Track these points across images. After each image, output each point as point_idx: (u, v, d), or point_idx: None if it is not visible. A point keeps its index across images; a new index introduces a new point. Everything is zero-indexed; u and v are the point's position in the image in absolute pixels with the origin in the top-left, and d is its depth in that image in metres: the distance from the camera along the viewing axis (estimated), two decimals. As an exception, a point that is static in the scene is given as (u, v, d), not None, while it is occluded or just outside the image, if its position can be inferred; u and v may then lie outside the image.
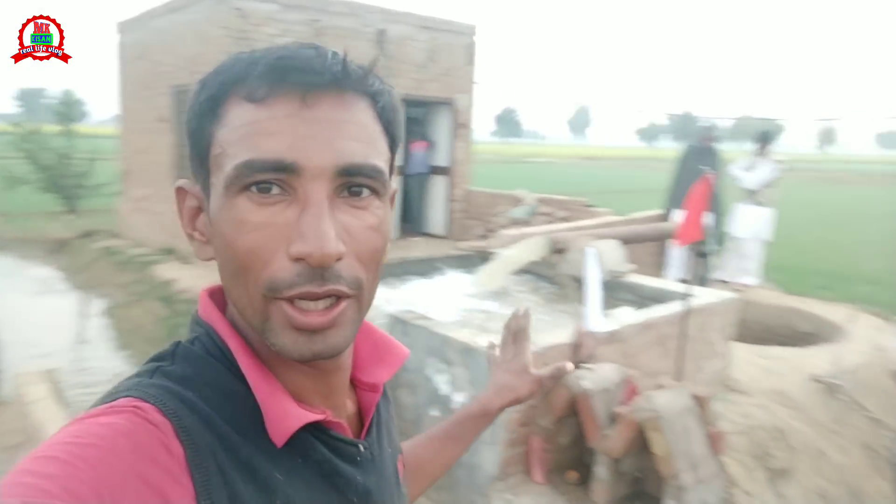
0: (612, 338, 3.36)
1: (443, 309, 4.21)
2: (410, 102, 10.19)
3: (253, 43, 8.09)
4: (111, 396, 0.53)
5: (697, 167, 6.12)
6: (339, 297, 0.53)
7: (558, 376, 0.95)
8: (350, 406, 0.67)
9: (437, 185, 10.28)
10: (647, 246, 7.02)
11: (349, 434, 0.63)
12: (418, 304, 4.22)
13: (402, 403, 3.45)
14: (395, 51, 9.29)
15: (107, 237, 10.91)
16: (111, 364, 6.17)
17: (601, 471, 2.79)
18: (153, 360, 0.59)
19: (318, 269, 0.51)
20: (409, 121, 10.23)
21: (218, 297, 0.63)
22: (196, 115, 0.56)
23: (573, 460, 3.07)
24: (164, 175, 9.67)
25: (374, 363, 0.69)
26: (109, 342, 6.91)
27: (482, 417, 0.95)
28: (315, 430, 0.58)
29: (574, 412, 2.95)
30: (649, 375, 3.56)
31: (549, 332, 3.37)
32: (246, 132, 0.52)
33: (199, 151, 0.57)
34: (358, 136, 0.54)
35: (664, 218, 6.93)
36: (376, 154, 0.56)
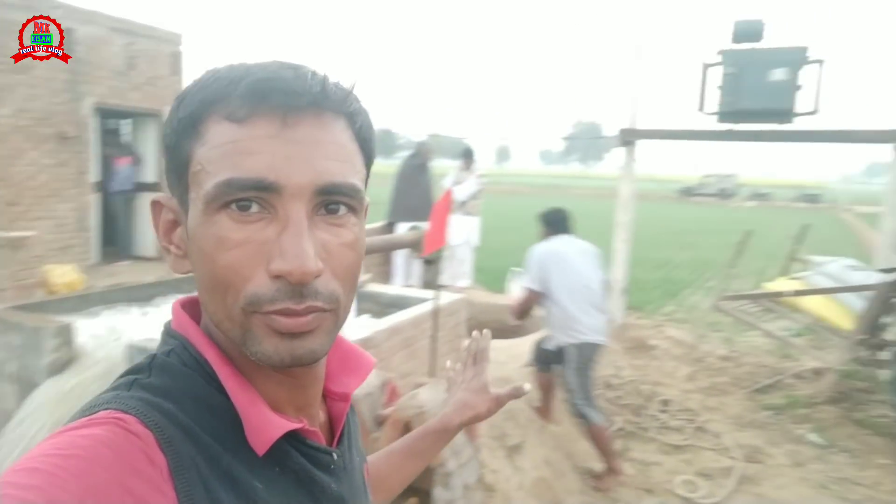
0: (366, 344, 3.51)
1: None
2: (108, 112, 9.21)
3: None
4: (90, 410, 0.52)
5: (418, 180, 6.66)
6: (316, 311, 0.55)
7: (516, 396, 1.02)
8: (321, 415, 0.69)
9: (145, 203, 9.44)
10: (373, 256, 7.37)
11: (323, 443, 0.65)
12: (153, 333, 3.89)
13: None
14: (86, 53, 8.31)
15: None
16: None
17: (372, 473, 2.92)
18: (129, 372, 0.58)
19: (298, 286, 0.53)
20: (107, 133, 9.24)
21: (191, 308, 0.63)
22: (174, 131, 0.56)
23: (342, 468, 3.15)
24: None
25: (343, 373, 0.71)
26: None
27: (442, 433, 0.99)
28: (292, 439, 0.60)
29: (340, 421, 3.03)
30: (402, 376, 3.80)
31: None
32: (226, 151, 0.53)
33: (177, 167, 0.57)
34: (336, 156, 0.56)
35: (389, 229, 7.36)
36: (354, 173, 0.58)
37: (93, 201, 8.88)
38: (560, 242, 4.29)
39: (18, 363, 3.54)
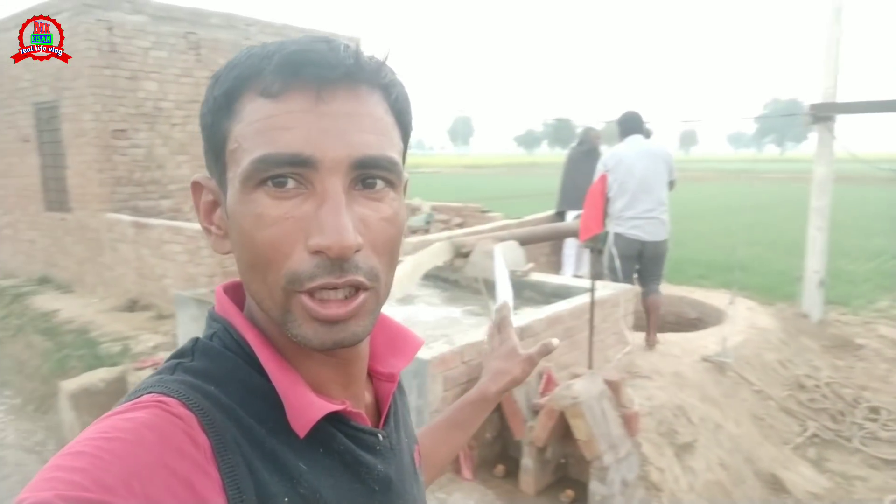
0: (524, 333, 3.48)
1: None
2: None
3: (123, 56, 7.68)
4: (135, 394, 0.53)
5: (585, 167, 6.46)
6: (357, 287, 0.54)
7: (546, 352, 1.00)
8: (367, 396, 0.68)
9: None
10: (542, 246, 7.30)
11: (368, 424, 0.63)
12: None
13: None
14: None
15: (-34, 271, 9.93)
16: (-15, 407, 5.62)
17: (527, 461, 2.89)
18: (173, 357, 0.59)
19: (337, 261, 0.52)
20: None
21: (233, 292, 0.63)
22: (211, 110, 0.56)
23: (499, 454, 3.15)
24: (30, 199, 8.94)
25: (389, 353, 0.70)
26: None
27: (482, 402, 0.98)
28: (335, 421, 0.59)
29: (496, 407, 3.03)
30: (562, 367, 3.72)
31: (464, 331, 3.44)
32: (261, 127, 0.53)
33: (214, 147, 0.57)
34: (372, 129, 0.55)
35: (558, 218, 7.23)
36: (390, 146, 0.57)
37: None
38: (628, 143, 4.88)
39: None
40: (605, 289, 4.27)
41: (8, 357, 6.41)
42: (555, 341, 1.02)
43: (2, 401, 5.74)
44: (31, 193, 8.85)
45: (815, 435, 4.52)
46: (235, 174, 0.54)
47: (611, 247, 4.84)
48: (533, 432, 2.86)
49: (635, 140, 4.88)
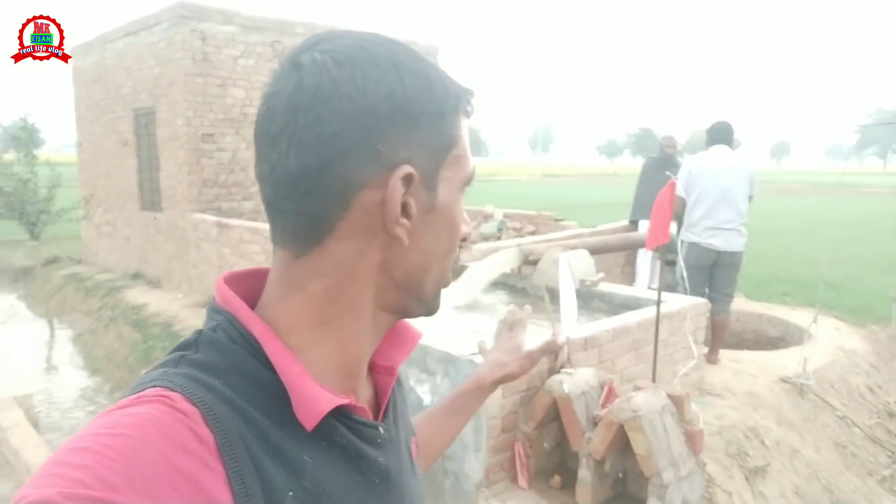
0: (588, 343, 3.42)
1: (421, 321, 4.23)
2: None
3: (214, 65, 8.07)
4: (138, 388, 0.53)
5: (660, 177, 6.29)
6: None
7: (549, 350, 1.01)
8: (367, 389, 0.68)
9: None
10: (616, 256, 7.16)
11: (370, 417, 0.64)
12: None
13: (384, 417, 3.45)
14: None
15: (71, 264, 10.68)
16: (82, 389, 6.03)
17: (584, 473, 2.84)
18: (177, 349, 0.59)
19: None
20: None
21: (236, 283, 0.64)
22: (446, 112, 0.62)
23: (556, 465, 3.11)
24: (127, 199, 9.52)
25: (390, 346, 0.70)
26: (79, 368, 6.75)
27: (477, 392, 1.03)
28: (338, 414, 0.59)
29: (555, 417, 2.99)
30: (627, 380, 3.63)
31: (527, 339, 3.42)
32: (468, 143, 0.66)
33: (436, 144, 0.61)
34: None
35: (632, 228, 7.07)
36: None
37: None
38: (712, 153, 4.83)
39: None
40: (675, 302, 4.14)
41: (101, 346, 6.84)
42: (561, 338, 1.04)
43: (94, 386, 6.13)
44: (129, 193, 9.43)
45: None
46: (457, 176, 0.64)
47: (681, 258, 4.78)
48: (591, 444, 2.81)
49: (721, 150, 4.83)
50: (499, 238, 8.95)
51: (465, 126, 0.65)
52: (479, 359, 2.97)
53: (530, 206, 16.49)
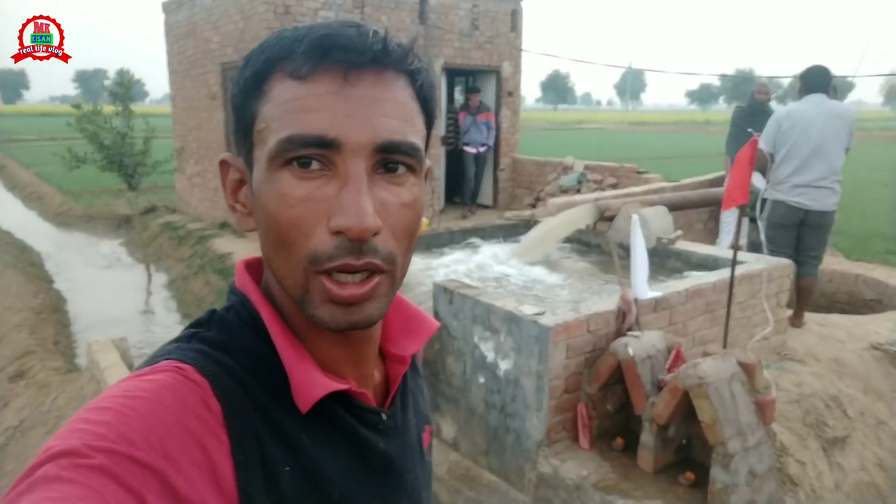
0: (659, 305, 3.32)
1: (489, 278, 4.24)
2: (454, 71, 10.09)
3: (296, 17, 8.15)
4: (153, 360, 0.57)
5: (754, 127, 5.91)
6: (374, 270, 0.55)
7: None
8: (377, 376, 0.70)
9: (489, 154, 10.13)
10: (700, 212, 6.86)
11: (373, 403, 0.66)
12: (463, 274, 4.26)
13: (450, 371, 3.50)
14: (437, 20, 9.20)
15: (166, 213, 11.29)
16: (174, 333, 6.44)
17: (647, 438, 2.79)
18: (191, 326, 0.62)
19: (357, 243, 0.53)
20: (468, 91, 10.11)
21: (254, 268, 0.66)
22: (241, 91, 0.58)
23: (620, 427, 3.08)
24: (216, 151, 9.90)
25: (403, 335, 0.71)
26: (172, 313, 7.21)
27: None
28: (340, 398, 0.61)
29: (620, 379, 2.95)
30: (699, 343, 3.52)
31: (595, 299, 3.36)
32: (289, 108, 0.54)
33: (243, 126, 0.59)
34: (396, 114, 0.56)
35: (721, 182, 6.73)
36: (413, 132, 0.58)
37: (441, 154, 9.95)
38: (808, 102, 4.37)
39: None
40: (757, 262, 3.94)
41: (191, 292, 7.26)
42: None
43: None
44: (217, 146, 9.79)
45: None
46: (262, 153, 0.56)
47: (764, 217, 4.51)
48: (655, 409, 2.75)
49: (817, 99, 4.36)
50: (578, 191, 8.76)
51: (284, 90, 0.55)
52: (544, 319, 2.95)
53: (616, 156, 15.99)
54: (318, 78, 0.54)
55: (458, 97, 11.13)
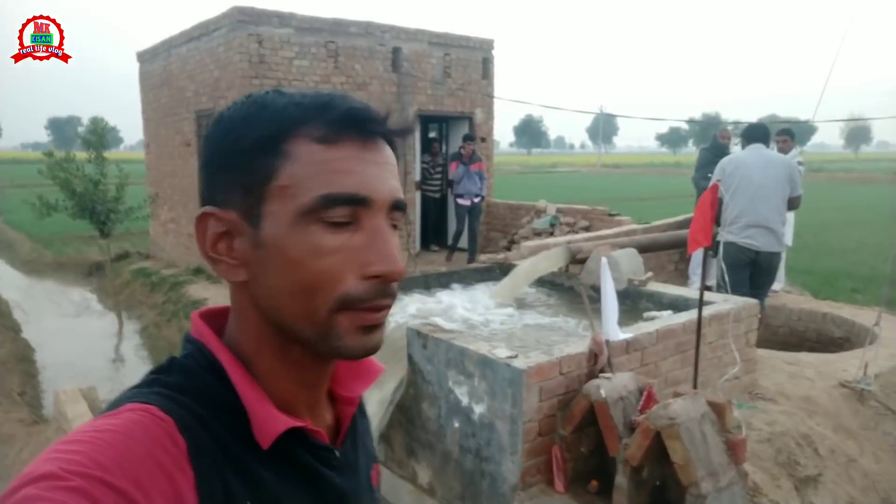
0: (630, 346, 3.37)
1: (463, 321, 4.25)
2: (428, 117, 10.26)
3: (270, 66, 8.27)
4: (116, 404, 0.59)
5: (714, 168, 6.09)
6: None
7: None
8: (328, 417, 0.74)
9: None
10: (671, 253, 6.98)
11: (326, 441, 0.69)
12: (438, 317, 4.27)
13: (425, 415, 3.49)
14: (410, 68, 9.41)
15: (140, 259, 11.17)
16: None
17: (621, 480, 2.80)
18: (152, 373, 0.65)
19: (389, 285, 0.63)
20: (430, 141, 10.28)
21: (210, 318, 0.70)
22: (248, 147, 0.62)
23: (594, 469, 3.08)
24: (190, 197, 9.89)
25: (351, 378, 0.76)
26: (144, 361, 7.08)
27: None
28: (297, 437, 0.65)
29: (593, 421, 2.96)
30: (671, 384, 3.56)
31: (566, 341, 3.39)
32: (320, 169, 0.61)
33: (247, 182, 0.62)
34: (396, 176, 0.66)
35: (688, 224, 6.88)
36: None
37: (416, 198, 10.05)
38: (748, 151, 4.85)
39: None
40: (725, 303, 4.02)
41: (164, 338, 7.15)
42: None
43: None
44: (192, 192, 9.79)
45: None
46: (286, 208, 0.60)
47: (720, 258, 4.75)
48: (628, 450, 2.77)
49: (756, 147, 4.86)
50: (551, 234, 8.88)
51: (310, 153, 0.61)
52: (517, 362, 2.97)
53: (590, 197, 16.26)
54: (343, 144, 0.62)
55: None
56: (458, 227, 9.44)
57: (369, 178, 0.61)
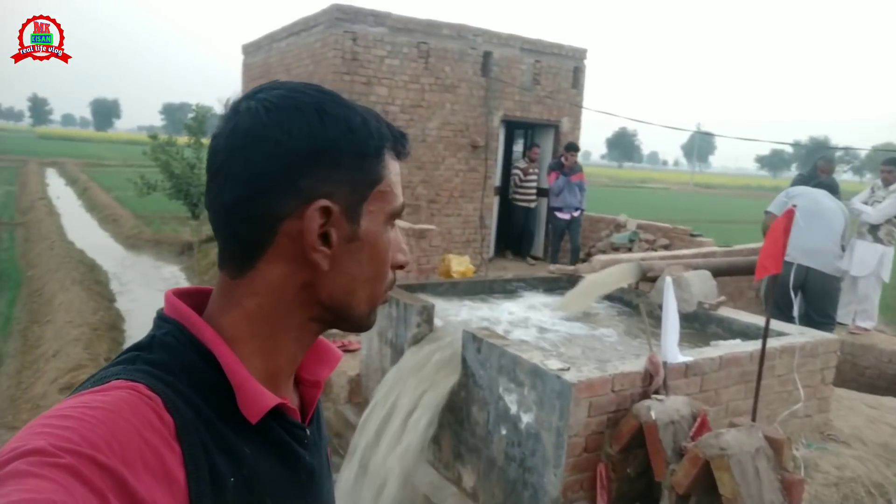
0: (689, 370, 3.24)
1: (522, 329, 4.22)
2: (513, 123, 10.23)
3: (362, 63, 8.47)
4: (101, 381, 0.61)
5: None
6: None
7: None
8: (294, 398, 0.76)
9: (540, 207, 10.14)
10: (750, 279, 6.67)
11: (300, 419, 0.72)
12: (496, 323, 4.26)
13: (474, 419, 3.48)
14: (499, 73, 9.42)
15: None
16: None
17: (666, 507, 2.70)
18: (132, 349, 0.67)
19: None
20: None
21: (187, 297, 0.71)
22: (372, 152, 0.70)
23: (639, 493, 2.99)
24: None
25: (314, 363, 0.79)
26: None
27: None
28: (274, 415, 0.67)
29: (643, 443, 2.87)
30: (732, 414, 3.40)
31: (622, 358, 3.31)
32: (397, 181, 0.73)
33: (360, 181, 0.69)
34: None
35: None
36: None
37: (494, 203, 10.04)
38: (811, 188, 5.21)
39: (394, 332, 4.27)
40: (801, 335, 3.80)
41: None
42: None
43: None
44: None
45: None
46: (382, 209, 0.71)
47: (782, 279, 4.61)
48: (674, 476, 2.67)
49: (822, 191, 5.22)
50: (629, 249, 8.66)
51: (394, 166, 0.72)
52: (567, 375, 2.92)
53: (676, 216, 15.72)
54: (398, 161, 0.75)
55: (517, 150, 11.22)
56: (553, 243, 9.06)
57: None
